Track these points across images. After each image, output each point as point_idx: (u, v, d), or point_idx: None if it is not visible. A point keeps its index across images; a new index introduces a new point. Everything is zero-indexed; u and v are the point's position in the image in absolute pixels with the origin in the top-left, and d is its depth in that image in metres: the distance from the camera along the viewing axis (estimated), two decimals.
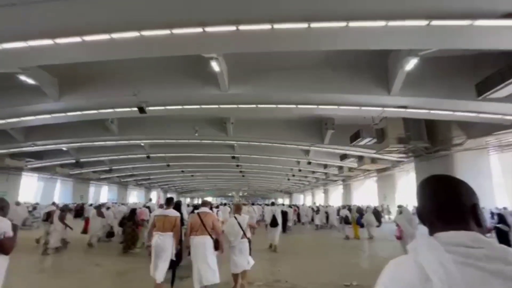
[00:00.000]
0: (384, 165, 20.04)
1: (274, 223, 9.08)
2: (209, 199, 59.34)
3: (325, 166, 27.23)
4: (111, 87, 10.70)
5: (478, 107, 9.19)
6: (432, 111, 9.99)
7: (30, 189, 25.13)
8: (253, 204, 16.85)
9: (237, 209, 4.95)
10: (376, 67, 9.29)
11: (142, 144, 20.23)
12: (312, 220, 18.99)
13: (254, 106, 11.02)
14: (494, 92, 7.83)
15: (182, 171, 32.40)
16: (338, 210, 18.53)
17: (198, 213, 4.38)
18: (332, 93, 9.61)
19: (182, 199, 56.51)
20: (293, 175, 33.70)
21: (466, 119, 10.36)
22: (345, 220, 12.77)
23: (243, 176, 37.03)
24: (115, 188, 40.73)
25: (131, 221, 9.61)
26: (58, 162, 22.68)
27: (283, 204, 28.57)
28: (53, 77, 10.59)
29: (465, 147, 11.74)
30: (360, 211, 14.25)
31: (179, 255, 4.60)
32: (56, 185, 29.59)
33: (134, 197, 46.28)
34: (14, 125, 13.63)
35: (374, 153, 15.59)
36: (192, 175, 36.96)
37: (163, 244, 4.29)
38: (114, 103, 11.58)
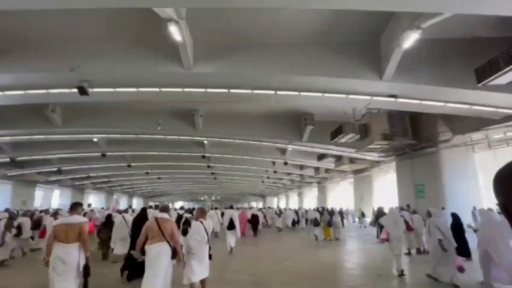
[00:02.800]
0: (363, 165, 19.34)
1: (231, 226, 8.91)
2: (180, 203, 56.24)
3: (302, 167, 26.20)
4: (42, 59, 8.29)
5: (475, 96, 8.37)
6: (423, 102, 9.03)
7: None
8: (216, 208, 15.40)
9: (202, 213, 4.68)
10: (368, 48, 8.09)
11: (95, 140, 17.38)
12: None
13: (225, 91, 9.28)
14: (497, 77, 6.90)
15: (147, 173, 29.41)
16: (306, 212, 18.75)
17: (156, 219, 4.06)
18: (318, 76, 8.21)
19: (170, 204, 52.64)
20: (268, 177, 32.33)
21: (457, 112, 9.58)
22: (315, 223, 12.78)
23: (215, 178, 34.87)
24: (69, 192, 36.11)
25: (109, 227, 8.44)
26: None
27: (250, 208, 27.26)
28: None
29: (452, 144, 11.07)
30: (332, 213, 13.91)
31: (87, 268, 3.81)
32: None
33: (93, 202, 41.67)
34: None
35: (355, 152, 14.59)
36: (159, 177, 33.95)
37: (66, 257, 3.61)
38: (47, 82, 9.10)
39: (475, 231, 7.07)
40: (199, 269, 4.13)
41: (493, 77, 7.01)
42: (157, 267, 3.74)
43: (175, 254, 3.91)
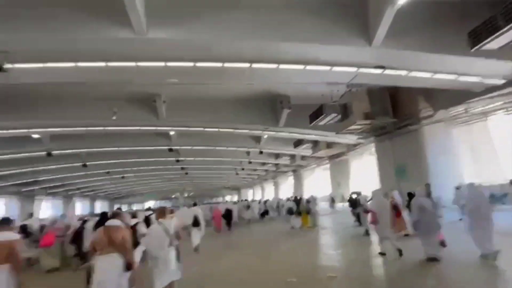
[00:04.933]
0: (339, 150, 18.96)
1: (195, 223, 8.76)
2: (151, 203, 52.83)
3: (277, 156, 25.37)
4: None
5: (463, 65, 7.89)
6: (411, 74, 8.35)
7: None
8: (195, 204, 13.91)
9: (161, 213, 4.33)
10: (355, 9, 7.06)
11: (36, 136, 14.58)
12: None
13: (190, 64, 7.71)
14: (494, 38, 6.32)
15: (108, 172, 26.45)
16: (278, 202, 19.13)
17: (105, 227, 3.58)
18: (299, 42, 7.02)
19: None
20: (242, 169, 31.17)
21: (442, 84, 9.11)
22: (290, 212, 13.07)
23: (186, 173, 32.77)
24: (16, 201, 31.43)
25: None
26: None
27: (217, 203, 26.54)
28: None
29: (435, 119, 10.74)
30: (308, 201, 13.67)
31: None
32: None
33: (48, 210, 37.07)
34: None
35: (336, 134, 13.92)
36: (122, 177, 30.93)
37: None
38: None
39: (462, 206, 7.16)
40: (165, 273, 3.80)
41: (489, 39, 6.41)
42: (106, 282, 3.33)
43: (129, 266, 3.48)
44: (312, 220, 12.73)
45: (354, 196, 12.10)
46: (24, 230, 9.16)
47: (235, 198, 51.11)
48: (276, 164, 28.47)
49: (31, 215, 22.04)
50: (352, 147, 18.14)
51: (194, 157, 23.49)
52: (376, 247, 7.10)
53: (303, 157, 23.34)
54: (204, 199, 55.89)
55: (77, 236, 7.31)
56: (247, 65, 7.86)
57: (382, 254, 6.17)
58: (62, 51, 7.09)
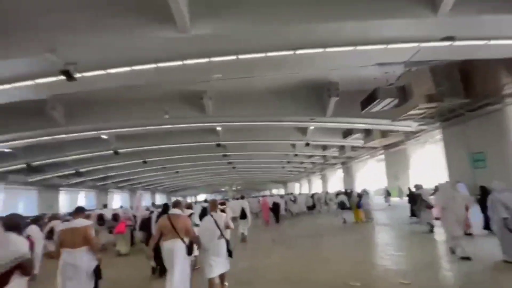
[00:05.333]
0: (396, 138, 17.18)
1: (243, 215, 9.28)
2: (203, 196, 55.82)
3: (324, 147, 24.29)
4: (15, 40, 7.03)
5: None
6: (490, 42, 6.91)
7: None
8: (243, 197, 14.15)
9: (213, 206, 4.34)
10: None
11: (105, 137, 16.53)
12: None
13: (233, 58, 7.67)
14: None
15: (164, 168, 28.78)
16: (326, 194, 18.82)
17: (168, 216, 3.94)
18: (350, 20, 6.35)
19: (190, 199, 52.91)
20: (288, 162, 30.74)
21: None
22: (342, 206, 12.70)
23: (233, 168, 33.79)
24: (94, 194, 36.66)
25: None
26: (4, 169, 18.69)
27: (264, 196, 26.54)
28: None
29: None
30: (360, 195, 13.19)
31: (98, 270, 3.61)
32: (20, 195, 25.51)
33: (118, 201, 42.40)
34: None
35: (392, 121, 12.57)
36: (177, 172, 33.39)
37: (75, 262, 3.44)
38: (29, 70, 7.95)
39: None
40: (216, 264, 3.93)
41: None
42: (171, 265, 3.67)
43: (190, 250, 3.82)
44: (366, 214, 12.16)
45: (414, 190, 10.92)
46: (101, 218, 10.52)
47: (282, 192, 51.03)
48: (324, 156, 27.33)
49: (105, 206, 25.34)
50: (411, 135, 16.24)
51: (240, 152, 23.97)
52: (443, 247, 6.29)
53: (353, 148, 21.86)
54: (252, 192, 57.17)
55: (145, 224, 8.07)
56: (291, 52, 7.49)
57: (465, 258, 5.16)
58: (118, 57, 7.76)
